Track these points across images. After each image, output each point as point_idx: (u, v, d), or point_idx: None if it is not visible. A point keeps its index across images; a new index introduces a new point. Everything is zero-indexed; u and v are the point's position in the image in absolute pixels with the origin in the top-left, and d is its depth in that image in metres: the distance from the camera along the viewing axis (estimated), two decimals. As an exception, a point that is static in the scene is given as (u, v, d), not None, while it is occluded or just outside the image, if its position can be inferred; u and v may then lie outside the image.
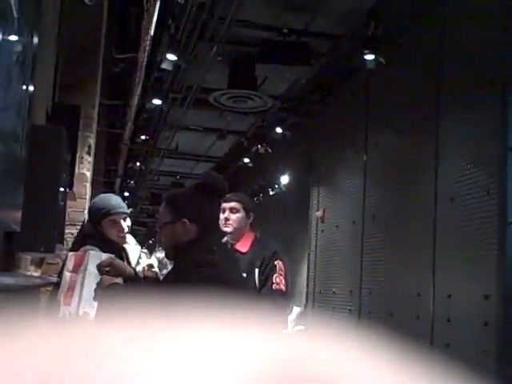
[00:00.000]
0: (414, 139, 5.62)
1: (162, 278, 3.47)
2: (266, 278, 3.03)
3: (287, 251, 5.22)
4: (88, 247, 2.69)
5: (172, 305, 0.28)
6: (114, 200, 2.94)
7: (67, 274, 2.53)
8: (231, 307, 0.28)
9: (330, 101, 7.71)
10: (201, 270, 1.98)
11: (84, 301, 2.41)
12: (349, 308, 6.55)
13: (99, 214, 2.83)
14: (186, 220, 2.13)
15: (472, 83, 4.77)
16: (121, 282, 2.20)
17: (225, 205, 3.04)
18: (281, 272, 3.10)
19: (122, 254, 2.89)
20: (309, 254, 7.98)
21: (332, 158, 7.54)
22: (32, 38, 1.90)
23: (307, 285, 7.93)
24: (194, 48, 6.52)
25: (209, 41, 6.34)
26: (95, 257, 2.54)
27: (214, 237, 2.20)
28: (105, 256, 2.56)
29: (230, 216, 3.09)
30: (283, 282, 3.09)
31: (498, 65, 4.50)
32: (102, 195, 3.10)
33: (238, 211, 3.12)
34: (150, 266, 2.63)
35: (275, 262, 3.11)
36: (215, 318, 0.28)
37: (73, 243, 3.14)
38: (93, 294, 2.46)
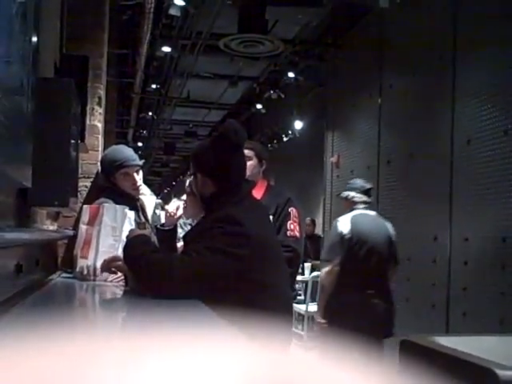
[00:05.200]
0: (429, 81, 5.50)
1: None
2: (280, 224, 3.02)
3: (302, 197, 5.23)
4: (102, 199, 2.68)
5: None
6: (126, 152, 2.91)
7: (83, 227, 2.53)
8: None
9: (343, 43, 7.54)
10: (221, 225, 1.95)
11: (101, 253, 2.42)
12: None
13: (112, 167, 2.81)
14: (199, 174, 2.11)
15: (489, 21, 4.62)
16: (148, 234, 2.19)
17: None
18: (295, 219, 3.10)
19: (136, 205, 2.88)
20: (324, 200, 7.96)
21: (346, 102, 7.43)
22: (34, -13, 1.84)
23: (323, 230, 7.95)
24: (202, -8, 6.38)
25: (217, -16, 6.19)
26: (110, 209, 2.54)
27: (239, 190, 2.12)
28: (119, 207, 2.55)
29: None
30: (297, 228, 3.08)
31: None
32: (114, 147, 3.07)
33: (250, 159, 3.08)
34: (143, 226, 2.61)
35: (289, 209, 3.09)
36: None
37: (87, 196, 3.14)
38: (109, 245, 2.46)
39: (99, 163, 3.09)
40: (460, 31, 5.04)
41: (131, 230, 2.18)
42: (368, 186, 4.16)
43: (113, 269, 2.19)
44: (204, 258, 1.87)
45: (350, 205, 4.07)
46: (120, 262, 2.07)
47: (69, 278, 2.51)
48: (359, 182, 4.16)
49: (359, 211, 4.03)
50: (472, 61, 4.86)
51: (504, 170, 4.33)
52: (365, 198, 4.09)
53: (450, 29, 5.15)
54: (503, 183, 4.32)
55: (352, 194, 4.09)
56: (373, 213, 4.15)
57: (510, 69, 4.36)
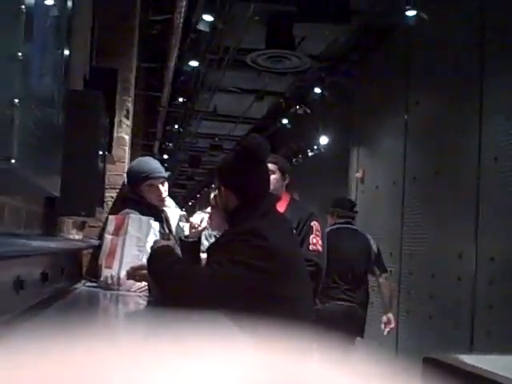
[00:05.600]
0: (456, 98, 5.47)
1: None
2: (303, 239, 3.02)
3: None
4: (128, 210, 2.71)
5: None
6: (153, 164, 2.95)
7: (108, 237, 2.57)
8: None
9: (370, 60, 7.55)
10: (245, 238, 1.95)
11: (125, 263, 2.44)
12: (389, 269, 6.50)
13: (138, 178, 2.85)
14: (223, 188, 2.13)
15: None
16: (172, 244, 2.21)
17: None
18: (317, 233, 3.09)
19: (161, 216, 2.91)
20: (348, 216, 7.93)
21: (372, 119, 7.42)
22: (66, 2, 1.89)
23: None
24: (230, 8, 6.44)
25: (245, 0, 6.24)
26: (135, 220, 2.57)
27: (263, 204, 2.12)
28: (144, 218, 2.58)
29: None
30: (320, 242, 3.08)
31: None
32: (140, 158, 3.11)
33: (273, 173, 3.09)
34: (167, 237, 2.62)
35: (311, 223, 3.09)
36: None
37: (112, 206, 3.18)
38: (134, 256, 2.49)
39: (125, 174, 3.13)
40: (487, 47, 5.01)
41: (156, 241, 2.21)
42: (352, 202, 4.89)
43: (137, 277, 2.21)
44: (226, 270, 1.88)
45: (334, 219, 4.61)
46: (145, 271, 2.09)
47: (93, 287, 2.54)
48: (343, 199, 4.89)
49: (338, 225, 4.54)
50: (499, 77, 4.83)
51: (531, 188, 4.28)
52: (349, 213, 4.65)
53: (477, 45, 5.13)
54: (530, 202, 4.27)
55: (338, 209, 4.64)
56: (353, 226, 4.65)
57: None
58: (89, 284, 2.63)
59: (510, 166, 4.56)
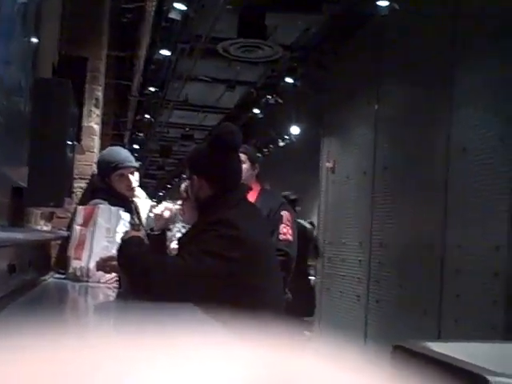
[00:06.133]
0: (427, 89, 5.52)
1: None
2: (273, 228, 3.03)
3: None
4: (97, 201, 2.69)
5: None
6: (123, 153, 2.92)
7: (77, 228, 2.54)
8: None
9: (342, 50, 7.57)
10: (216, 228, 1.95)
11: (95, 255, 2.42)
12: (359, 259, 6.58)
13: (108, 168, 2.82)
14: (195, 176, 2.12)
15: (487, 30, 4.65)
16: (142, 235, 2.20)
17: None
18: (287, 222, 3.11)
19: (131, 207, 2.89)
20: (319, 205, 7.98)
21: (343, 109, 7.45)
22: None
23: (318, 235, 7.96)
24: (202, -4, 6.39)
25: (217, -11, 6.20)
26: (105, 210, 2.54)
27: (235, 194, 2.12)
28: (114, 209, 2.56)
29: None
30: (290, 232, 3.10)
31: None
32: (110, 148, 3.08)
33: (243, 162, 3.08)
34: (137, 227, 2.60)
35: (282, 213, 3.11)
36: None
37: (82, 196, 3.14)
38: (103, 247, 2.47)
39: (95, 164, 3.10)
40: (458, 40, 5.06)
41: (126, 232, 2.19)
42: (293, 197, 4.99)
43: (107, 268, 2.19)
44: (198, 260, 1.88)
45: None
46: (115, 263, 2.07)
47: (62, 278, 2.51)
48: (286, 193, 4.89)
49: None
50: (469, 69, 4.88)
51: (499, 178, 4.35)
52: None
53: (448, 37, 5.17)
54: (497, 191, 4.34)
55: None
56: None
57: (506, 78, 4.38)
58: (57, 276, 2.60)
59: (478, 155, 4.63)
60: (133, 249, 1.97)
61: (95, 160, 3.35)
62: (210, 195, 2.09)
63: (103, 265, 2.19)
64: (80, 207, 2.62)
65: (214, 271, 1.88)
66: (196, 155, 2.21)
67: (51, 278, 2.53)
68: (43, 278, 2.48)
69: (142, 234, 2.28)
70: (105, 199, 2.70)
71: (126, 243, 2.02)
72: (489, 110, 4.58)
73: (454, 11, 5.16)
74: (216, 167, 2.10)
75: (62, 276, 2.54)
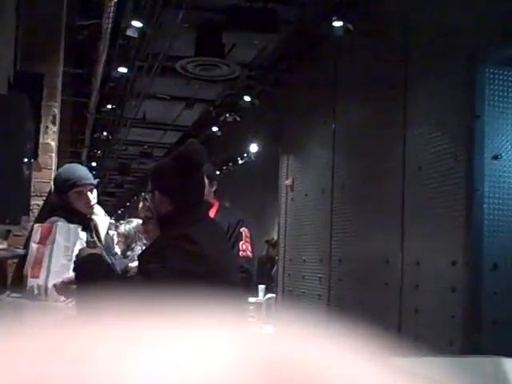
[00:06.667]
0: (381, 108, 5.63)
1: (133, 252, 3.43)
2: (233, 245, 3.03)
3: (258, 219, 5.27)
4: (55, 218, 2.64)
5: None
6: (80, 171, 2.88)
7: (34, 246, 2.49)
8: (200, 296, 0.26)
9: (298, 69, 7.66)
10: (177, 244, 1.94)
11: (53, 273, 2.37)
12: (319, 276, 6.61)
13: (65, 186, 2.78)
14: (157, 191, 2.11)
15: (439, 51, 4.77)
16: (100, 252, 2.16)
17: None
18: (247, 239, 3.12)
19: (89, 224, 2.85)
20: (279, 223, 8.01)
21: (301, 127, 7.52)
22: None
23: (277, 253, 7.98)
24: (159, 14, 6.39)
25: (175, 7, 6.22)
26: (63, 228, 2.50)
27: (197, 210, 2.11)
28: (72, 227, 2.52)
29: None
30: (249, 248, 3.10)
31: (464, 34, 4.50)
32: (68, 165, 3.04)
33: None
34: (92, 244, 2.55)
35: (241, 229, 3.11)
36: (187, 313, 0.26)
37: (39, 214, 3.08)
38: (62, 265, 2.42)
39: (52, 181, 3.05)
40: (411, 60, 5.18)
41: (82, 249, 2.15)
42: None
43: (67, 293, 2.15)
44: (159, 277, 1.86)
45: None
46: (75, 286, 2.03)
47: (18, 297, 2.45)
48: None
49: None
50: (423, 89, 5.00)
51: (454, 195, 4.44)
52: None
53: (401, 58, 5.29)
54: (452, 208, 4.43)
55: None
56: None
57: (459, 96, 4.50)
58: (14, 295, 2.54)
59: (433, 173, 4.72)
60: (91, 268, 1.94)
61: (52, 177, 3.30)
62: (171, 211, 2.07)
63: (63, 288, 2.14)
64: (37, 225, 2.57)
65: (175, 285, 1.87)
66: (159, 170, 2.20)
67: (7, 298, 2.47)
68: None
69: (98, 250, 2.24)
70: (63, 217, 2.65)
71: (84, 262, 1.98)
72: (441, 128, 4.69)
73: (404, 31, 5.28)
74: (179, 185, 2.08)
75: (19, 295, 2.48)
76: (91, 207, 2.84)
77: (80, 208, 2.80)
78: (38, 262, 2.43)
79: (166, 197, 2.08)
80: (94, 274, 1.91)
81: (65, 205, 2.77)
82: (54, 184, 2.91)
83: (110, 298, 1.83)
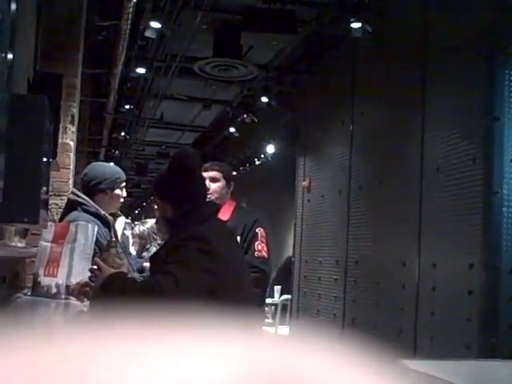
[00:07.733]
0: (400, 109, 5.60)
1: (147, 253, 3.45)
2: (248, 245, 3.04)
3: (274, 220, 5.26)
4: (72, 217, 2.66)
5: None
6: (113, 168, 2.93)
7: (45, 245, 2.50)
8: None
9: (316, 70, 7.65)
10: (187, 243, 1.98)
11: (75, 271, 2.39)
12: (335, 277, 6.59)
13: (113, 182, 2.83)
14: (158, 200, 2.21)
15: (458, 53, 4.74)
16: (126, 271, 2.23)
17: (204, 174, 3.01)
18: (262, 239, 3.12)
19: (109, 223, 2.86)
20: (295, 224, 8.00)
21: (318, 128, 7.51)
22: (9, 5, 1.85)
23: (293, 254, 7.97)
24: (178, 16, 6.42)
25: (193, 8, 6.24)
26: (84, 227, 2.52)
27: (201, 211, 2.17)
28: (91, 226, 2.53)
29: (211, 185, 3.09)
30: (265, 248, 3.11)
31: (483, 35, 4.47)
32: (101, 164, 3.07)
33: (218, 180, 3.13)
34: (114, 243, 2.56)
35: (256, 230, 3.12)
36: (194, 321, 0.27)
37: (62, 214, 3.11)
38: (82, 265, 2.43)
39: (79, 181, 3.07)
40: (430, 61, 5.15)
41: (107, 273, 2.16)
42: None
43: (82, 296, 2.18)
44: (183, 275, 1.89)
45: None
46: (88, 289, 2.08)
47: (35, 296, 2.47)
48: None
49: None
50: (442, 90, 4.97)
51: (472, 197, 4.41)
52: None
53: (420, 59, 5.26)
54: (471, 211, 4.40)
55: None
56: None
57: (478, 98, 4.46)
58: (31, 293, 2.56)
59: (451, 175, 4.69)
60: (119, 287, 1.96)
61: (71, 176, 3.33)
62: (174, 215, 2.15)
63: (81, 290, 2.17)
64: (49, 223, 2.59)
65: (196, 284, 1.90)
66: (158, 180, 2.32)
67: (25, 296, 2.49)
68: (18, 294, 2.45)
69: (124, 267, 2.29)
70: (84, 217, 2.67)
71: (110, 282, 1.98)
72: (460, 130, 4.65)
73: (425, 33, 5.25)
74: (175, 190, 2.18)
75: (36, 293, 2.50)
76: (120, 202, 2.91)
77: (110, 206, 2.83)
78: (53, 261, 2.45)
79: (167, 204, 2.16)
80: (123, 291, 1.94)
81: (85, 204, 2.78)
82: (84, 183, 2.87)
83: (128, 300, 1.84)
